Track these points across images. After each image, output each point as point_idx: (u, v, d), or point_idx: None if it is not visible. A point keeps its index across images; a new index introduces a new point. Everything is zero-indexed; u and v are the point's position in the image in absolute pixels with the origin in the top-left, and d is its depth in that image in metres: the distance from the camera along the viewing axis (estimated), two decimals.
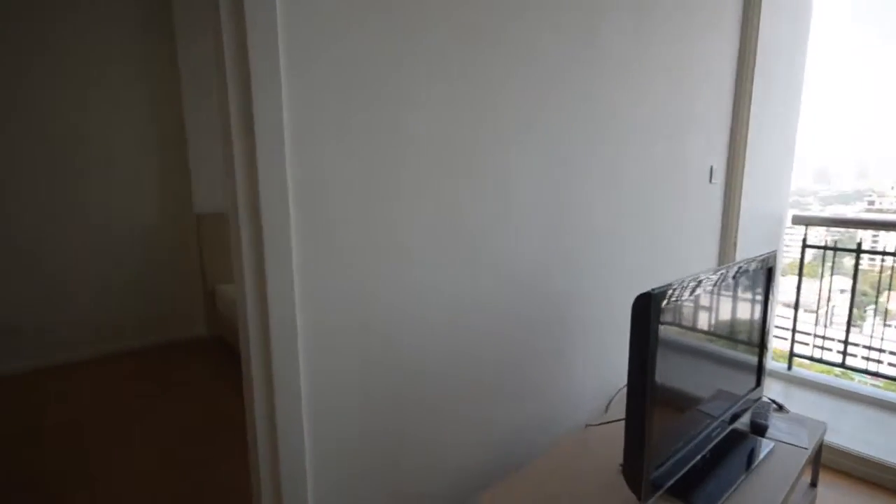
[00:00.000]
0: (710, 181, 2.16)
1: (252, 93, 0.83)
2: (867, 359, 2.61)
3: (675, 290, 1.01)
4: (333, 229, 0.98)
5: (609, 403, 1.72)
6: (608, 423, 1.44)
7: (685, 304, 1.08)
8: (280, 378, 0.94)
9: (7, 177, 2.72)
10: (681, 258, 2.05)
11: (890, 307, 3.09)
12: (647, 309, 0.93)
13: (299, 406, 0.97)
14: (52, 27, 2.77)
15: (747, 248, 2.32)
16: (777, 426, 1.46)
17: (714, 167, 2.15)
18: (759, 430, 1.43)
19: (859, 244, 2.43)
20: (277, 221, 0.90)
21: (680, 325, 1.10)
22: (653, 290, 0.94)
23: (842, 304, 2.66)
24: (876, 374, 2.45)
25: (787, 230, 2.71)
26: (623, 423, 1.01)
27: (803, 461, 1.29)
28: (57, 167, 2.86)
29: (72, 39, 2.83)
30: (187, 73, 3.14)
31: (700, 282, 1.10)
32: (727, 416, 1.31)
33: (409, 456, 1.19)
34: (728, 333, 1.34)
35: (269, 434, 0.96)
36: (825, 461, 1.89)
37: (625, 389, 0.99)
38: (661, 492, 1.06)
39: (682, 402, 1.15)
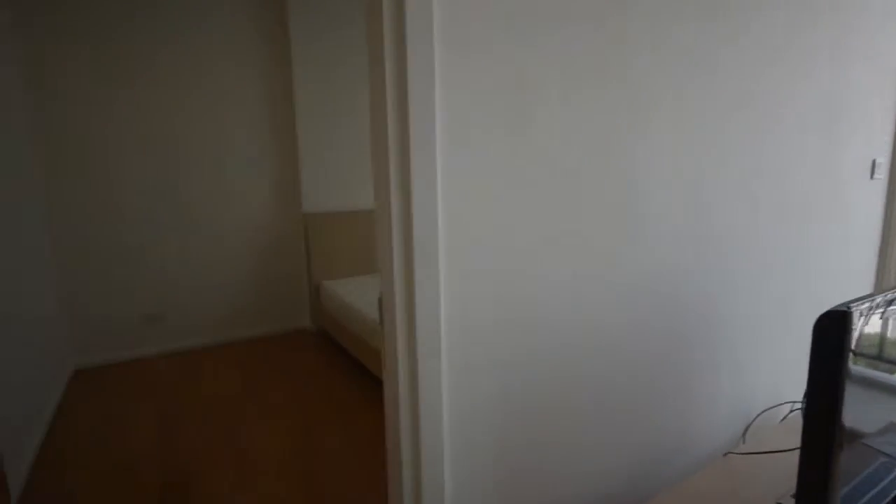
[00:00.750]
0: (872, 177, 1.84)
1: (409, 106, 0.84)
2: None
3: (871, 306, 0.84)
4: (475, 237, 0.96)
5: (746, 429, 1.53)
6: (755, 453, 1.27)
7: (879, 323, 0.90)
8: (424, 381, 0.93)
9: (145, 182, 3.09)
10: (830, 266, 1.78)
11: None
12: (839, 330, 0.78)
13: (440, 415, 0.96)
14: (171, 35, 3.10)
15: None
16: None
17: (877, 161, 1.83)
18: None
19: None
20: (426, 230, 0.89)
21: (877, 355, 0.92)
22: (846, 306, 0.79)
23: None
24: None
25: None
26: (770, 454, 0.87)
27: None
28: (181, 170, 3.20)
29: (191, 46, 3.15)
30: (300, 77, 3.35)
31: None
32: None
33: (530, 487, 1.13)
34: None
35: (412, 442, 0.96)
36: None
37: (765, 414, 0.84)
38: None
39: (869, 440, 0.97)
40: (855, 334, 0.93)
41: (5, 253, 2.07)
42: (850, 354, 0.85)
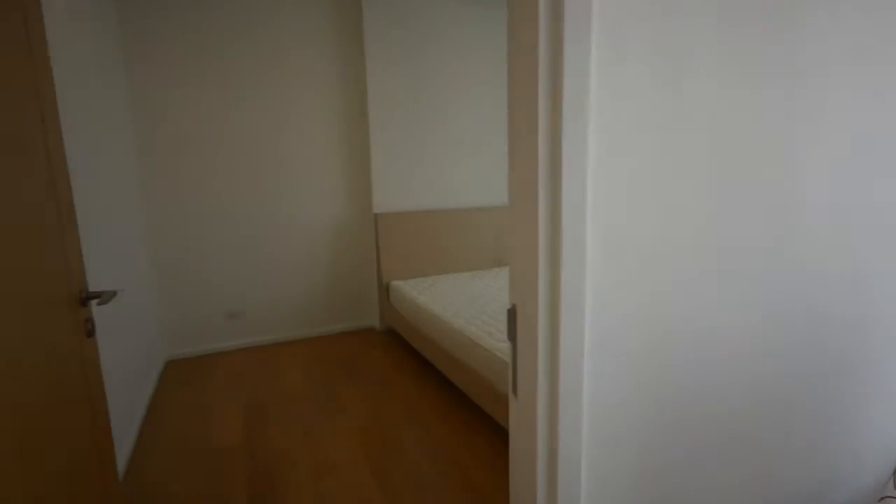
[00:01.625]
0: None
1: (562, 107, 0.77)
2: None
3: None
4: (621, 247, 0.87)
5: None
6: None
7: None
8: (565, 388, 0.86)
9: (228, 182, 3.21)
10: None
11: None
12: None
13: (580, 431, 0.88)
14: (258, 41, 3.18)
15: None
16: None
17: None
18: None
19: None
20: (575, 231, 0.82)
21: None
22: None
23: None
24: None
25: None
26: None
27: None
28: (262, 170, 3.30)
29: (278, 54, 3.22)
30: (373, 78, 3.36)
31: None
32: None
33: None
34: None
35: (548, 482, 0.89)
36: None
37: None
38: None
39: None
40: None
41: (119, 247, 2.20)
42: None
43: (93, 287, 1.84)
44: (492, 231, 3.90)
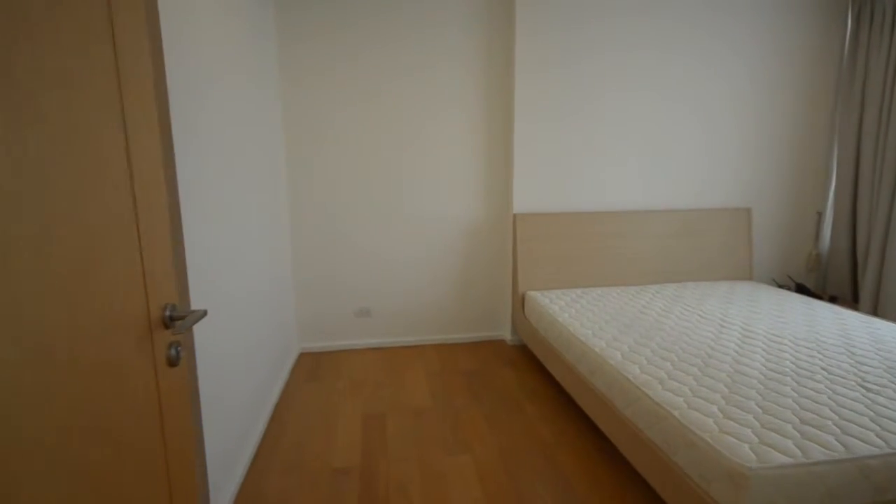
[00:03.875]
0: None
1: None
2: None
3: None
4: None
5: None
6: None
7: None
8: None
9: (368, 181, 3.08)
10: None
11: None
12: None
13: None
14: (405, 37, 2.97)
15: None
16: None
17: None
18: None
19: None
20: None
21: None
22: None
23: None
24: None
25: None
26: None
27: None
28: (400, 168, 3.11)
29: (423, 49, 2.98)
30: (521, 73, 2.95)
31: None
32: None
33: None
34: None
35: None
36: None
37: None
38: None
39: None
40: None
41: (267, 241, 2.19)
42: None
43: (210, 296, 1.76)
44: (654, 239, 3.21)
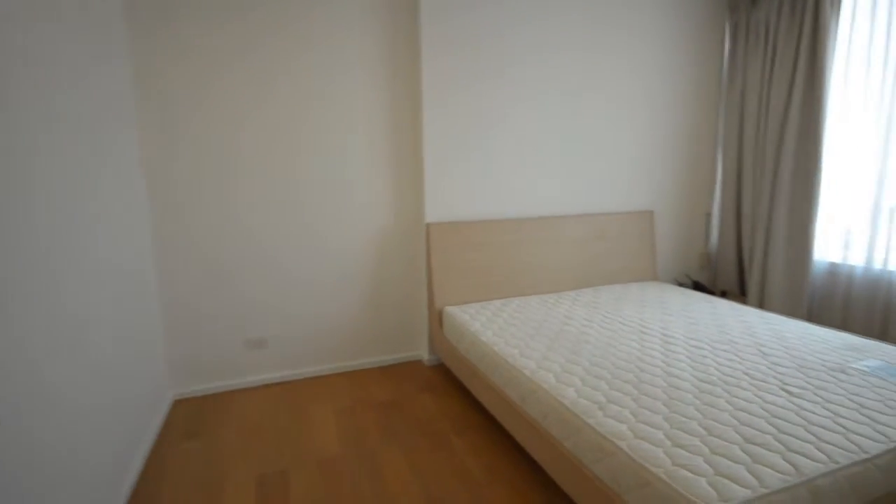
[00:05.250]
0: None
1: None
2: None
3: None
4: None
5: None
6: None
7: None
8: None
9: (252, 198, 2.61)
10: None
11: None
12: None
13: None
14: (295, 41, 2.56)
15: None
16: None
17: None
18: None
19: None
20: None
21: None
22: None
23: None
24: None
25: None
26: None
27: None
28: (295, 180, 2.68)
29: (307, 56, 2.60)
30: (430, 81, 2.69)
31: None
32: None
33: None
34: None
35: None
36: None
37: None
38: None
39: None
40: None
41: (109, 270, 1.64)
42: None
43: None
44: (569, 244, 3.16)
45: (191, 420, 2.40)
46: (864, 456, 1.33)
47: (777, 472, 1.26)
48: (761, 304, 3.18)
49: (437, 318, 2.84)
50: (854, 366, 1.87)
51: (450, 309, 2.76)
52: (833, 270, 2.94)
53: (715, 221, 3.63)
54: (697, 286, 3.51)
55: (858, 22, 2.74)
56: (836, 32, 2.76)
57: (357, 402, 2.54)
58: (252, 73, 2.51)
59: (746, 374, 1.83)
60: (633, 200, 3.39)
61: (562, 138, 3.09)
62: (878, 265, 2.72)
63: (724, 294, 3.55)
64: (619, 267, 3.32)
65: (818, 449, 1.36)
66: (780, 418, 1.51)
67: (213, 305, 2.62)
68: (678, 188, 3.53)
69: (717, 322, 2.43)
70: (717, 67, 3.49)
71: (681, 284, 3.57)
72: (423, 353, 3.08)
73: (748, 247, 3.31)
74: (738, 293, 3.45)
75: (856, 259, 2.83)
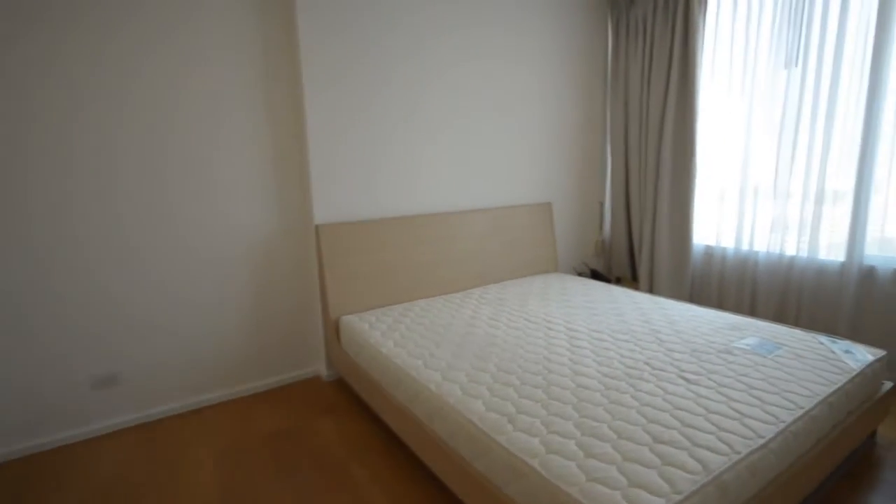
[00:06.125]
0: None
1: None
2: None
3: None
4: None
5: None
6: None
7: None
8: None
9: (93, 197, 2.11)
10: None
11: None
12: None
13: None
14: (159, 25, 2.10)
15: None
16: None
17: None
18: None
19: None
20: None
21: None
22: None
23: None
24: None
25: None
26: None
27: None
28: (158, 181, 2.22)
29: (180, 37, 2.16)
30: (310, 65, 2.38)
31: None
32: None
33: None
34: None
35: None
36: None
37: None
38: None
39: None
40: None
41: None
42: None
43: None
44: (472, 240, 3.05)
45: (11, 492, 1.86)
46: (760, 441, 1.35)
47: (687, 472, 1.22)
48: (651, 289, 3.35)
49: (333, 330, 2.56)
50: (737, 345, 1.97)
51: (347, 318, 2.49)
52: (709, 252, 3.18)
53: (607, 210, 3.77)
54: (595, 274, 3.62)
55: (722, 19, 2.95)
56: (703, 29, 2.95)
57: (240, 438, 2.18)
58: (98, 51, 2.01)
59: (647, 363, 1.83)
60: (532, 193, 3.38)
61: (459, 133, 2.96)
62: (745, 246, 2.97)
63: (618, 280, 3.71)
64: (522, 260, 3.29)
65: (720, 440, 1.35)
66: (682, 409, 1.50)
67: (47, 339, 2.08)
68: (573, 179, 3.60)
69: (616, 310, 2.47)
70: (603, 62, 3.60)
71: (580, 274, 3.66)
72: (321, 369, 2.78)
73: (637, 234, 3.47)
74: (631, 279, 3.62)
75: (727, 242, 3.08)
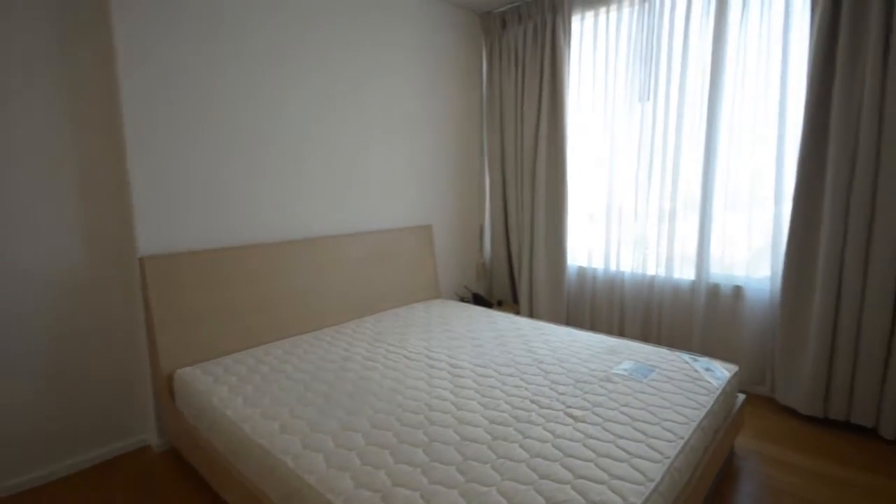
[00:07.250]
0: None
1: None
2: None
3: None
4: None
5: None
6: None
7: None
8: None
9: None
10: None
11: None
12: None
13: None
14: None
15: None
16: None
17: None
18: None
19: None
20: None
21: None
22: None
23: None
24: None
25: None
26: None
27: None
28: None
29: None
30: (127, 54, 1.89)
31: None
32: None
33: None
34: None
35: None
36: None
37: None
38: None
39: None
40: None
41: None
42: None
43: None
44: (347, 267, 2.73)
45: None
46: (651, 486, 1.26)
47: None
48: (531, 311, 3.36)
49: (166, 386, 2.03)
50: (615, 371, 1.95)
51: (183, 371, 2.00)
52: (582, 273, 3.29)
53: (487, 233, 3.74)
54: (477, 298, 3.54)
55: (584, 54, 3.10)
56: (569, 60, 3.08)
57: None
58: None
59: (534, 402, 1.70)
60: (411, 215, 3.19)
61: (331, 151, 2.65)
62: (613, 266, 3.12)
63: (500, 303, 3.68)
64: (402, 287, 3.06)
65: (612, 490, 1.23)
66: (572, 456, 1.38)
67: None
68: (453, 201, 3.50)
69: (499, 339, 2.35)
70: (480, 86, 3.60)
71: (462, 299, 3.55)
72: (151, 437, 2.20)
73: (517, 256, 3.47)
74: (512, 301, 3.60)
75: (597, 262, 3.21)
